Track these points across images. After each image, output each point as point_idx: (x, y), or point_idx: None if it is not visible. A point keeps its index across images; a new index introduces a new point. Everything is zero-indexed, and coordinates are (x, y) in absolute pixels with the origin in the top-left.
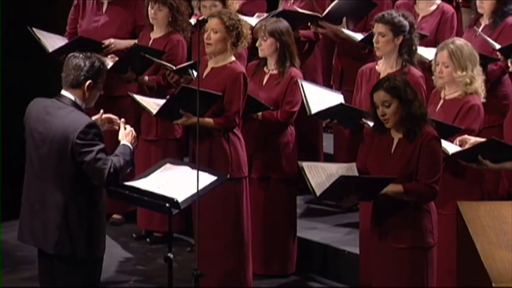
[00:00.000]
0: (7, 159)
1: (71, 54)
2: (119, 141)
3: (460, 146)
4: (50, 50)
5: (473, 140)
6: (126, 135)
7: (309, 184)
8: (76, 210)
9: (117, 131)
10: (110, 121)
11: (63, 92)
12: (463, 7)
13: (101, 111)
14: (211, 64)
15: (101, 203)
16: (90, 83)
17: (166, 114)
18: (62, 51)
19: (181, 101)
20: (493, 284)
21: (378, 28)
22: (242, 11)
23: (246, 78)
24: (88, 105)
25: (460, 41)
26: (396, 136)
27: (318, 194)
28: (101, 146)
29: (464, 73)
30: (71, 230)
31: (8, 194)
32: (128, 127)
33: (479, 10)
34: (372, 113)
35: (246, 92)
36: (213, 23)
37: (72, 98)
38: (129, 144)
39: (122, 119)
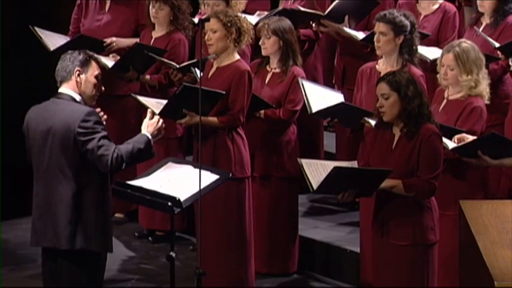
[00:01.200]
0: (7, 160)
1: (62, 55)
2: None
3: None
4: (52, 48)
5: (471, 138)
6: (149, 125)
7: (307, 180)
8: (84, 203)
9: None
10: None
11: (60, 90)
12: (465, 6)
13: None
14: (216, 64)
15: (108, 195)
16: (77, 70)
17: (170, 114)
18: (64, 49)
19: (184, 100)
20: (495, 283)
21: (379, 27)
22: (246, 9)
23: (250, 76)
24: (86, 98)
25: (466, 44)
26: (397, 132)
27: (314, 188)
28: (103, 133)
29: (469, 77)
30: (83, 223)
31: (8, 194)
32: (156, 117)
33: (480, 9)
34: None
35: (251, 90)
36: (210, 23)
37: (68, 92)
38: (148, 134)
39: (150, 109)
